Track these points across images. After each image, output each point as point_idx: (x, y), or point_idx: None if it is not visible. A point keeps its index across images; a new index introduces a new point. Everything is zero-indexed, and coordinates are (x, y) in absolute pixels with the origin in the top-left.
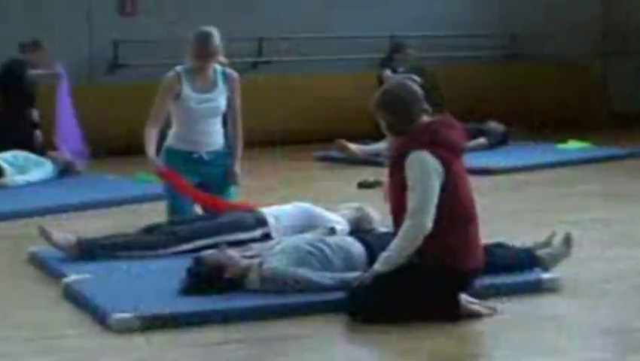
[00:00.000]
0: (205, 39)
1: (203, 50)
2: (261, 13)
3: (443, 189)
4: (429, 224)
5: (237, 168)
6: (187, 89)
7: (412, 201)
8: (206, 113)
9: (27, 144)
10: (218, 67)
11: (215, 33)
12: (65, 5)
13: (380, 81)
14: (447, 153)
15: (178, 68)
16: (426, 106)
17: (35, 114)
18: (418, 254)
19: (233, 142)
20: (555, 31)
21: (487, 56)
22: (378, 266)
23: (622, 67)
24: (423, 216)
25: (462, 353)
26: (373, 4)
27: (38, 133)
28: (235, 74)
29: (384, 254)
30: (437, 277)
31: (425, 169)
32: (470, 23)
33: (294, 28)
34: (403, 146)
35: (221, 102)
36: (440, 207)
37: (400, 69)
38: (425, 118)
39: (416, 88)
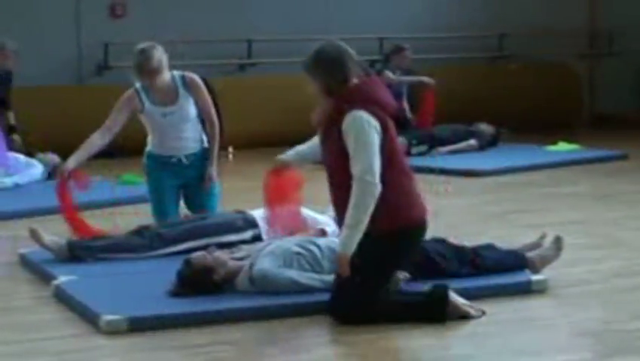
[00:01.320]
0: (144, 57)
1: (144, 69)
2: (250, 15)
3: (382, 147)
4: (378, 182)
5: (212, 171)
6: (148, 105)
7: (357, 163)
8: (174, 124)
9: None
10: (176, 74)
11: (156, 49)
12: (55, 7)
13: None
14: (382, 112)
15: (137, 84)
16: (356, 65)
17: (11, 117)
18: (370, 222)
19: (210, 144)
20: (543, 33)
21: (476, 57)
22: (341, 249)
23: (609, 69)
24: (371, 174)
25: (449, 353)
26: (363, 5)
27: (15, 137)
28: (195, 78)
29: (344, 232)
30: (393, 238)
31: (365, 127)
32: (459, 25)
33: (282, 29)
34: (338, 107)
35: (188, 109)
36: (381, 167)
37: (397, 72)
38: (355, 80)
39: (347, 48)
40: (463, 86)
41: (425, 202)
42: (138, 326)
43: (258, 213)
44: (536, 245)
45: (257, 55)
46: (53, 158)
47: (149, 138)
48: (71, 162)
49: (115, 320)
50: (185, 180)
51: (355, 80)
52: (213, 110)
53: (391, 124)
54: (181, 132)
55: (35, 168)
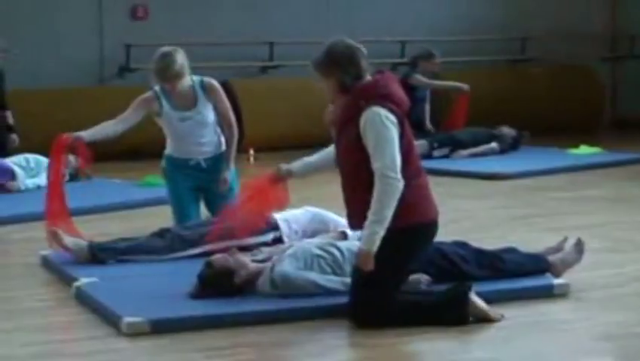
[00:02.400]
0: (164, 62)
1: (166, 73)
2: (272, 18)
3: (400, 144)
4: (400, 177)
5: (227, 174)
6: (167, 108)
7: (379, 159)
8: (193, 128)
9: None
10: (196, 79)
11: (177, 54)
12: (77, 9)
13: (405, 86)
14: (398, 108)
15: (157, 87)
16: (368, 64)
17: (9, 117)
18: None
19: (227, 147)
20: (565, 36)
21: (498, 60)
22: (364, 245)
23: (631, 72)
24: (394, 169)
25: (470, 357)
26: (385, 9)
27: (14, 137)
28: (214, 83)
29: (366, 230)
30: (409, 234)
31: (385, 123)
32: (482, 28)
33: (304, 32)
34: (354, 105)
35: (206, 114)
36: (400, 162)
37: (425, 77)
38: (369, 76)
39: (359, 45)
40: (485, 89)
41: (434, 204)
42: (160, 328)
43: (279, 216)
44: (557, 249)
45: (278, 57)
46: (75, 160)
47: (167, 142)
48: (84, 134)
49: (136, 322)
50: (204, 184)
51: (368, 77)
52: (231, 114)
53: (405, 121)
54: (199, 137)
55: None
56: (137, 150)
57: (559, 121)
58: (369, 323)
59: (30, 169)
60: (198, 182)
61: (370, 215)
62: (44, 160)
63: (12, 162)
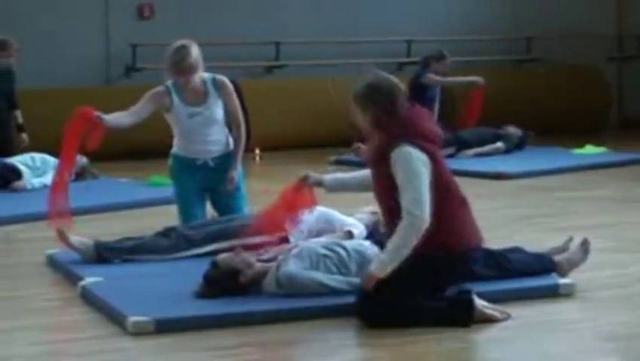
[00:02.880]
0: (180, 54)
1: (181, 66)
2: (278, 17)
3: (433, 179)
4: (427, 216)
5: (234, 174)
6: (177, 103)
7: (405, 197)
8: (201, 125)
9: (10, 148)
10: (208, 75)
11: (193, 47)
12: (83, 8)
13: (417, 86)
14: (429, 144)
15: (168, 82)
16: (404, 99)
17: (19, 116)
18: (422, 247)
19: (234, 146)
20: (571, 36)
21: (504, 60)
22: (375, 271)
23: (637, 72)
24: (420, 209)
25: (476, 357)
26: (391, 8)
27: (24, 136)
28: (226, 81)
29: (380, 257)
30: (443, 264)
31: (413, 163)
32: (487, 28)
33: (310, 32)
34: (386, 141)
35: (216, 112)
36: (434, 197)
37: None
38: (403, 111)
39: (396, 80)
40: (490, 89)
41: (477, 227)
42: (165, 327)
43: None
44: (563, 249)
45: (285, 57)
46: (80, 158)
47: (175, 140)
48: (108, 117)
49: (142, 321)
50: (211, 183)
51: (401, 111)
52: (240, 114)
53: (440, 155)
54: (206, 135)
55: None
56: (143, 149)
57: (564, 121)
58: (376, 324)
59: (36, 168)
60: (205, 182)
61: (389, 245)
62: (50, 159)
63: (18, 161)
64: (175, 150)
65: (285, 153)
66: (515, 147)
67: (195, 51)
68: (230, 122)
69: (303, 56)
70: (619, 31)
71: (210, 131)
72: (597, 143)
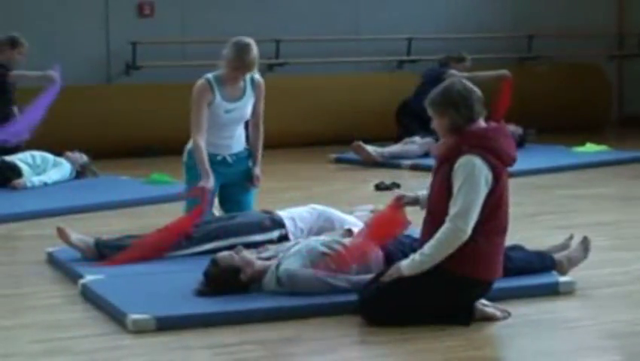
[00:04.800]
0: (245, 52)
1: (242, 63)
2: (278, 15)
3: (488, 197)
4: (469, 230)
5: (258, 171)
6: (218, 98)
7: (455, 204)
8: (233, 121)
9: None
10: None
11: (254, 45)
12: (83, 6)
13: (436, 83)
14: (498, 162)
15: (209, 75)
16: (483, 108)
17: (16, 112)
18: (448, 260)
19: (255, 145)
20: (572, 34)
21: (504, 58)
22: (405, 269)
23: (638, 69)
24: (465, 221)
25: (476, 355)
26: (392, 6)
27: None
28: (262, 81)
29: (415, 257)
30: (463, 285)
31: (475, 174)
32: (488, 26)
33: (311, 30)
34: (456, 147)
35: (248, 110)
36: (480, 216)
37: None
38: (482, 121)
39: (475, 88)
40: (490, 85)
41: (501, 265)
42: (165, 325)
43: (285, 213)
44: (563, 247)
45: (285, 55)
46: (81, 157)
47: None
48: (210, 177)
49: (142, 319)
50: (225, 180)
51: (481, 122)
52: (262, 113)
53: (505, 177)
54: (233, 130)
55: (63, 167)
56: (144, 147)
57: (565, 119)
58: (377, 320)
59: (36, 166)
60: (221, 178)
61: (426, 248)
62: (50, 157)
63: (18, 159)
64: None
65: (286, 150)
66: (516, 145)
67: (256, 50)
68: (255, 122)
69: (304, 54)
70: (620, 30)
71: (237, 127)
72: (598, 141)
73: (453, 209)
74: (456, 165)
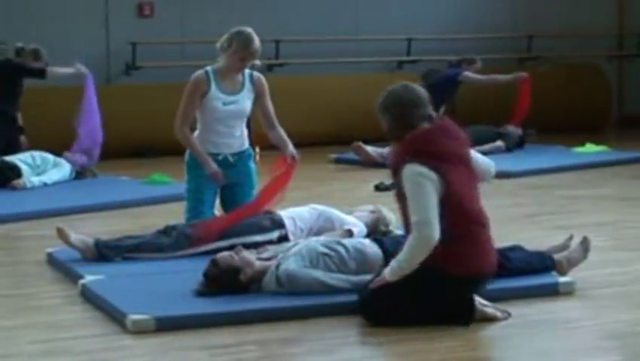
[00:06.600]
0: (250, 41)
1: (249, 52)
2: (278, 15)
3: (443, 198)
4: (435, 235)
5: (292, 148)
6: (214, 89)
7: (413, 214)
8: (231, 115)
9: (16, 148)
10: (246, 69)
11: (254, 32)
12: (83, 7)
13: (448, 84)
14: (442, 163)
15: (208, 67)
16: (430, 111)
17: (20, 118)
18: (431, 260)
19: (280, 137)
20: (572, 35)
21: (504, 58)
22: (387, 275)
23: (638, 70)
24: (427, 228)
25: (475, 355)
26: (392, 6)
27: (23, 139)
28: (262, 78)
29: (393, 264)
30: (449, 283)
31: (420, 182)
32: (488, 26)
33: (311, 30)
34: (399, 156)
35: (247, 105)
36: (443, 216)
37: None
38: (425, 125)
39: (422, 92)
40: (491, 87)
41: (493, 251)
42: (165, 325)
43: (285, 213)
44: (563, 247)
45: (285, 55)
46: (81, 157)
47: (197, 134)
48: (212, 163)
49: (142, 319)
50: (227, 180)
51: (424, 126)
52: (273, 112)
53: (455, 175)
54: (233, 127)
55: (63, 168)
56: (144, 147)
57: (565, 119)
58: (377, 321)
59: (36, 166)
60: (223, 179)
61: (400, 255)
62: (50, 157)
63: (18, 159)
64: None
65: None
66: (515, 145)
67: (257, 37)
68: (270, 124)
69: (303, 54)
70: (620, 30)
71: (236, 123)
72: (597, 141)
73: (413, 217)
74: (402, 174)
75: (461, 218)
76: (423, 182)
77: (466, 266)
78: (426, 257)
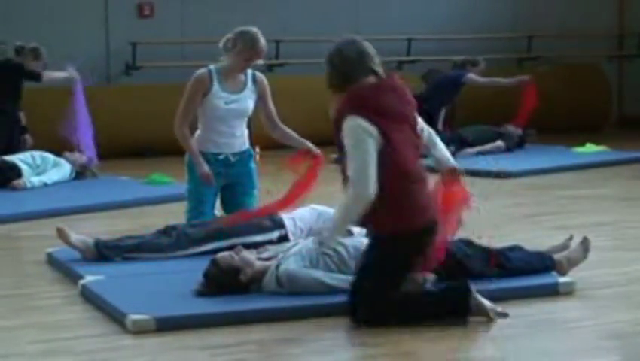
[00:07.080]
0: (257, 41)
1: (255, 52)
2: (278, 15)
3: (382, 153)
4: (371, 191)
5: (309, 145)
6: (216, 88)
7: (351, 168)
8: (233, 114)
9: (16, 148)
10: (249, 69)
11: (259, 31)
12: (83, 7)
13: (453, 85)
14: (382, 119)
15: (211, 66)
16: (375, 67)
17: (23, 117)
18: (370, 226)
19: (291, 138)
20: (572, 35)
21: (504, 58)
22: (326, 237)
23: (638, 70)
24: (363, 184)
25: (474, 355)
26: (392, 6)
27: (27, 137)
28: (264, 78)
29: (329, 225)
30: (398, 241)
31: (359, 136)
32: (488, 26)
33: (311, 30)
34: (340, 109)
35: (249, 104)
36: (381, 172)
37: None
38: (369, 79)
39: (367, 46)
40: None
41: (431, 204)
42: (165, 325)
43: (285, 213)
44: (563, 247)
45: (285, 55)
46: (81, 157)
47: (198, 134)
48: (203, 163)
49: (142, 319)
50: (227, 180)
51: (367, 80)
52: (275, 112)
53: (396, 132)
54: (233, 127)
55: (63, 168)
56: (144, 147)
57: (565, 119)
58: (368, 322)
59: (36, 166)
60: (222, 180)
61: (335, 213)
62: (50, 157)
63: (18, 159)
64: (196, 145)
65: (285, 151)
66: (515, 145)
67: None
68: (273, 125)
69: (303, 54)
70: (619, 30)
71: (238, 123)
72: (597, 141)
73: (350, 172)
74: (343, 128)
75: (398, 176)
76: (363, 137)
77: (408, 220)
78: (369, 225)
